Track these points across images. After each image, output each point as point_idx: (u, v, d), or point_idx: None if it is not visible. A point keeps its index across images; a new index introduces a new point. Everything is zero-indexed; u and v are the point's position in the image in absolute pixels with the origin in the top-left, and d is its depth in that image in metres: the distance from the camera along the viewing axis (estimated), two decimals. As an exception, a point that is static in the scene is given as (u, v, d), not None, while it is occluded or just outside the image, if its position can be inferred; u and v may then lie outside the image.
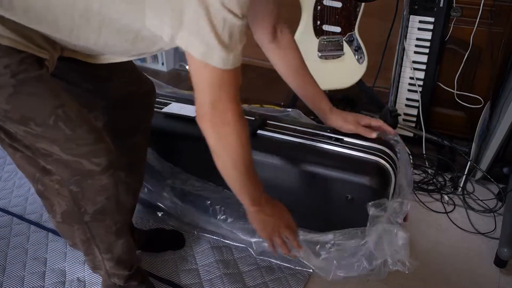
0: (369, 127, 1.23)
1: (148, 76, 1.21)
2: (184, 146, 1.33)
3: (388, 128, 1.23)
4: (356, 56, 1.92)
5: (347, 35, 1.89)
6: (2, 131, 0.90)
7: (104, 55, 0.98)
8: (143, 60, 2.82)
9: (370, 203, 1.12)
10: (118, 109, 1.12)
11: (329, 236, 1.19)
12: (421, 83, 1.84)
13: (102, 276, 1.17)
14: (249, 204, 1.02)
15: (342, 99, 2.13)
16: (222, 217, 1.32)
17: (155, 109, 1.38)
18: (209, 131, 0.88)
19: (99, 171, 0.91)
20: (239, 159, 0.92)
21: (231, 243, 1.40)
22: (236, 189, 0.99)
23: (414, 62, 1.82)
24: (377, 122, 1.24)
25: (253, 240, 1.28)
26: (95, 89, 1.07)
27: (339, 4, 1.83)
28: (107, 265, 1.10)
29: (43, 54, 0.86)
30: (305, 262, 1.18)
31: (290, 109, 1.47)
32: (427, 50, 1.78)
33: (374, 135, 1.22)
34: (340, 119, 1.23)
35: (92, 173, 0.92)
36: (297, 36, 1.90)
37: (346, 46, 1.91)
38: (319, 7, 1.84)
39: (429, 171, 1.77)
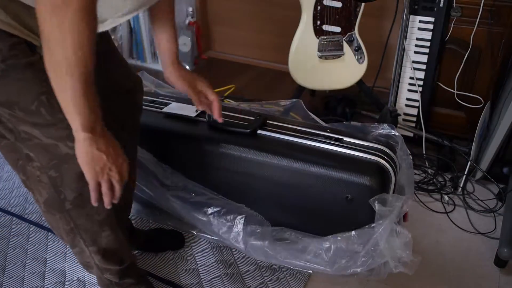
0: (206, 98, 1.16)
1: (135, 73, 1.18)
2: (184, 146, 1.33)
3: (216, 111, 1.15)
4: (356, 56, 1.92)
5: (347, 35, 1.89)
6: None
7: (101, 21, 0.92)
8: (143, 60, 2.82)
9: (373, 199, 1.12)
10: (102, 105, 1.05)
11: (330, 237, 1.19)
12: (421, 83, 1.84)
13: (95, 274, 1.16)
14: (80, 128, 0.84)
15: (342, 99, 2.13)
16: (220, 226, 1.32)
17: (155, 109, 1.39)
18: (46, 15, 0.72)
19: (74, 154, 0.86)
20: (77, 60, 0.77)
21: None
22: (66, 103, 0.81)
23: (414, 62, 1.82)
24: (213, 95, 1.14)
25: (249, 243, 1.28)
26: None
27: (339, 4, 1.83)
28: (95, 258, 1.09)
29: (35, 40, 0.84)
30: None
31: (290, 101, 1.47)
32: (427, 50, 1.78)
33: (200, 107, 1.16)
34: (175, 75, 1.13)
35: (68, 157, 0.90)
36: (297, 36, 1.90)
37: (346, 46, 1.91)
38: (319, 7, 1.84)
39: (429, 171, 1.77)
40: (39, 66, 0.83)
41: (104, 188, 0.90)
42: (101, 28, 0.97)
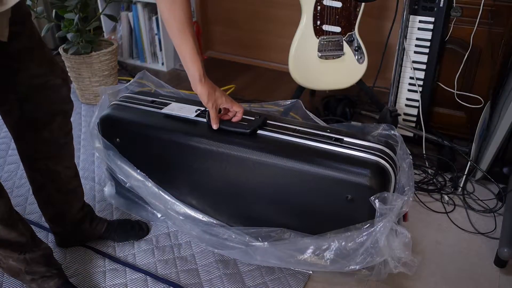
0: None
1: (60, 66, 1.21)
2: (184, 146, 1.32)
3: (236, 119, 1.32)
4: (356, 56, 1.92)
5: (347, 35, 1.89)
6: None
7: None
8: (143, 60, 2.82)
9: (373, 197, 1.12)
10: (29, 102, 1.14)
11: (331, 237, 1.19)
12: (421, 83, 1.84)
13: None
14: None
15: (342, 99, 2.13)
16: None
17: (155, 110, 1.39)
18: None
19: None
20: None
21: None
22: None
23: (414, 62, 1.82)
24: (239, 107, 1.31)
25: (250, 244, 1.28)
26: (4, 81, 1.09)
27: (339, 4, 1.84)
28: None
29: None
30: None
31: (289, 101, 1.48)
32: (427, 50, 1.78)
33: (215, 126, 1.30)
34: (205, 93, 1.24)
35: None
36: (297, 36, 1.90)
37: (346, 46, 1.91)
38: (319, 7, 1.84)
39: (429, 171, 1.77)
40: None
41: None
42: (5, 7, 0.95)
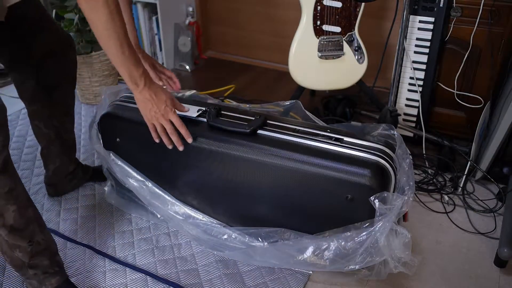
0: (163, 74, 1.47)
1: (65, 32, 1.42)
2: (184, 146, 1.32)
3: (177, 82, 1.44)
4: (356, 56, 1.92)
5: (347, 35, 1.89)
6: None
7: None
8: (143, 60, 2.82)
9: (373, 197, 1.12)
10: (43, 69, 1.36)
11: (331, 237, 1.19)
12: (421, 83, 1.84)
13: (7, 255, 1.14)
14: (129, 82, 1.14)
15: (342, 99, 2.13)
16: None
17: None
18: (82, 1, 1.01)
19: None
20: (112, 32, 1.05)
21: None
22: (116, 64, 1.11)
23: (414, 62, 1.82)
24: (170, 72, 1.43)
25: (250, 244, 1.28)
26: (19, 54, 1.32)
27: (339, 4, 1.84)
28: (2, 233, 1.09)
29: None
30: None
31: (289, 102, 1.48)
32: (427, 50, 1.78)
33: (160, 82, 1.43)
34: (140, 56, 1.29)
35: None
36: (297, 36, 1.90)
37: (346, 46, 1.91)
38: (319, 7, 1.84)
39: (429, 171, 1.77)
40: None
41: (159, 130, 1.20)
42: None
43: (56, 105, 1.45)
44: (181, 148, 1.25)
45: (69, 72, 1.45)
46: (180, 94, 1.51)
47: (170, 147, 1.26)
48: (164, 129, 1.22)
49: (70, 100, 1.51)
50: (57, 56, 1.38)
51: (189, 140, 1.24)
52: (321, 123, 1.41)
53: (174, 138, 1.23)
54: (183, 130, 1.23)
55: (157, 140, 1.25)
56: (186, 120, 1.32)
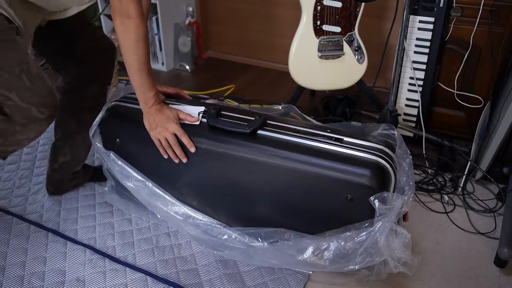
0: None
1: (108, 37, 1.55)
2: (184, 146, 1.33)
3: (186, 95, 1.46)
4: (356, 56, 1.92)
5: (347, 35, 1.89)
6: None
7: (67, 9, 1.32)
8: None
9: (373, 197, 1.12)
10: (84, 63, 1.46)
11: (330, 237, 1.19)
12: (421, 83, 1.84)
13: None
14: (141, 101, 1.26)
15: (342, 99, 2.13)
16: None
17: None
18: (117, 22, 1.14)
19: (43, 118, 1.24)
20: (137, 51, 1.17)
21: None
22: (134, 83, 1.23)
23: (414, 62, 1.82)
24: (175, 90, 1.44)
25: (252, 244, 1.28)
26: (65, 50, 1.45)
27: (339, 4, 1.84)
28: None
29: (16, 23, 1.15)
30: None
31: (281, 105, 1.48)
32: (427, 50, 1.78)
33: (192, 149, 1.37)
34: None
35: (36, 119, 1.23)
36: (297, 36, 1.90)
37: (346, 46, 1.91)
38: (319, 7, 1.84)
39: (429, 171, 1.77)
40: (20, 41, 1.18)
41: (164, 144, 1.28)
42: (66, 15, 1.32)
43: (88, 99, 1.51)
44: (184, 160, 1.30)
45: (107, 65, 1.53)
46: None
47: (176, 161, 1.31)
48: (169, 143, 1.27)
49: (103, 98, 1.51)
50: (98, 54, 1.49)
51: (192, 150, 1.28)
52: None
53: (178, 151, 1.28)
54: (185, 140, 1.26)
55: (165, 156, 1.31)
56: (186, 125, 1.32)
